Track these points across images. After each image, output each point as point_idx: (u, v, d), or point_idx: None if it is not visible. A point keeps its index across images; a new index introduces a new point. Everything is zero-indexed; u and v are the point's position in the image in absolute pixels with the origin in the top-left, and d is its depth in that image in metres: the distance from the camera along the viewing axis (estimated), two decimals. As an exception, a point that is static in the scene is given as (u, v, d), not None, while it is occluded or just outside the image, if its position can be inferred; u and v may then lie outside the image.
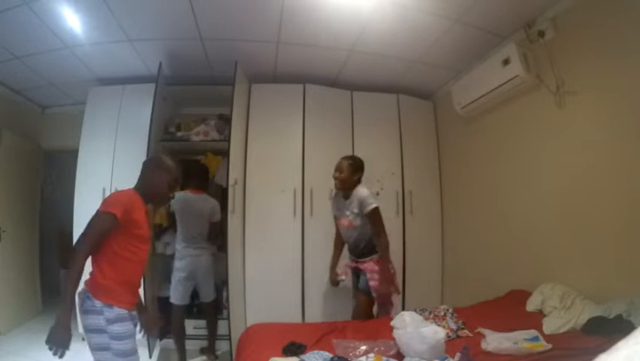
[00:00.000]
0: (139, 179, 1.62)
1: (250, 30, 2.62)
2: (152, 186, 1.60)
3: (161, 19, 2.47)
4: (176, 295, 2.67)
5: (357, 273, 2.48)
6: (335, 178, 2.41)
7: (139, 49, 2.83)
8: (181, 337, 2.71)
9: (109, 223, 1.39)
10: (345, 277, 2.57)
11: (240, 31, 2.64)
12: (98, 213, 1.40)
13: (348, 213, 2.37)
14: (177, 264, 2.67)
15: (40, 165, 4.01)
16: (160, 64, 2.89)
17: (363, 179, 2.47)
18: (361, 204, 2.28)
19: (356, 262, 2.45)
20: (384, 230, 2.30)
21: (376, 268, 2.32)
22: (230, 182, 2.76)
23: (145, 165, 1.67)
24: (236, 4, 2.31)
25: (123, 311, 1.44)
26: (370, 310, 2.38)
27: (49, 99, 3.80)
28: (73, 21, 2.41)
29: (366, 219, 2.31)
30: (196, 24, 2.51)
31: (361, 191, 2.32)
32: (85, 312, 1.40)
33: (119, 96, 3.19)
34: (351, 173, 2.38)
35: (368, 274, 2.33)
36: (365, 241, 2.38)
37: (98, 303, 1.38)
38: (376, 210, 2.27)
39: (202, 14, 2.40)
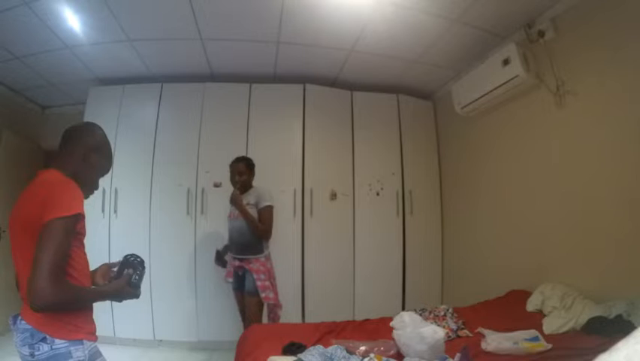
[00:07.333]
0: (70, 160, 1.12)
1: (250, 30, 2.62)
2: (92, 174, 1.19)
3: (161, 19, 2.47)
4: None
5: (240, 273, 2.41)
6: (236, 182, 2.43)
7: (139, 49, 2.83)
8: None
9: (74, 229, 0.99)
10: (229, 278, 2.50)
11: (240, 31, 2.64)
12: (61, 219, 0.94)
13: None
14: None
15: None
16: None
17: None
18: (259, 197, 2.38)
19: (240, 260, 2.39)
20: (271, 229, 2.39)
21: (262, 268, 2.32)
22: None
23: (85, 142, 1.17)
24: (236, 4, 2.31)
25: (94, 345, 1.04)
26: (261, 312, 2.34)
27: (49, 99, 3.80)
28: (73, 21, 2.40)
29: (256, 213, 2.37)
30: (196, 24, 2.51)
31: (262, 188, 2.46)
32: None
33: (119, 96, 3.18)
34: (249, 174, 2.49)
35: (254, 274, 2.30)
36: (249, 233, 2.33)
37: (60, 343, 0.97)
38: (270, 208, 2.38)
39: (202, 14, 2.40)
